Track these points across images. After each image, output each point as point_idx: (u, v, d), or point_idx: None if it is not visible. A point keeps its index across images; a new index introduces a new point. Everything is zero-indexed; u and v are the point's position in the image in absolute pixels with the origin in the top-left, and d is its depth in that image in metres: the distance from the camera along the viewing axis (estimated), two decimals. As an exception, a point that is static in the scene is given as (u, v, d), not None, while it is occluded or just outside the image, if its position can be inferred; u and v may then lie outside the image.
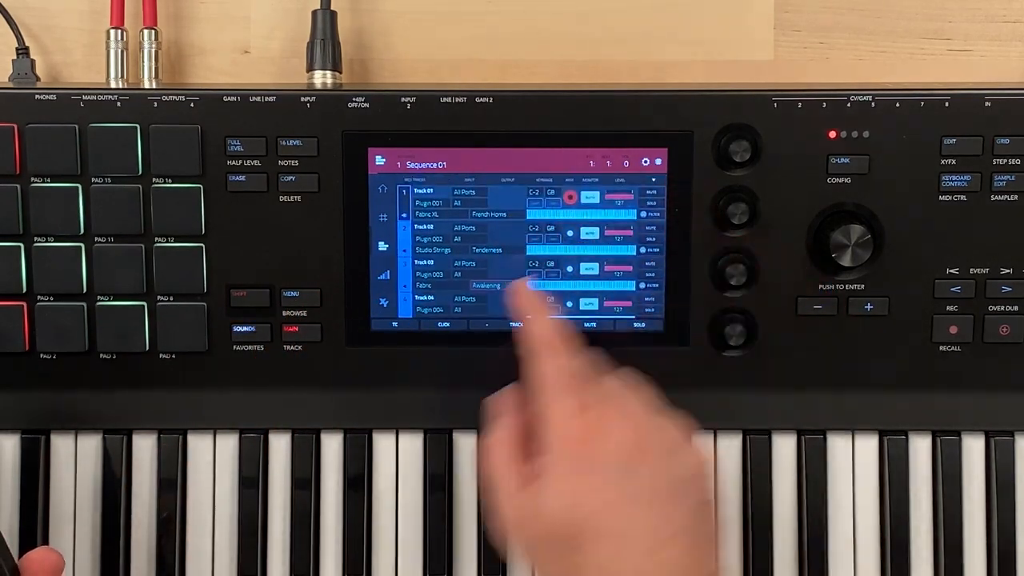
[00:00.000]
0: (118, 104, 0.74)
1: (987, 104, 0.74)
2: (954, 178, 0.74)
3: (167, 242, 0.75)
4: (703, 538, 0.65)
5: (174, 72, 0.83)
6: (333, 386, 0.76)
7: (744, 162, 0.74)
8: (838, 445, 0.78)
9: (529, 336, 0.69)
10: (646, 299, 0.76)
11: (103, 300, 0.75)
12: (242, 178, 0.74)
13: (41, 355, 0.76)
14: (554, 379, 0.67)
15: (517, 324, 0.76)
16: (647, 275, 0.76)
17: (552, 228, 0.75)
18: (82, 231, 0.74)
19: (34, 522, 0.77)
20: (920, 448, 0.78)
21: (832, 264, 0.74)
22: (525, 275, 0.76)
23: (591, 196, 0.75)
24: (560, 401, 0.66)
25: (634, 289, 0.76)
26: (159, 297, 0.75)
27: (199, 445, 0.78)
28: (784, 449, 0.78)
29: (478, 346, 0.76)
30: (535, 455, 0.67)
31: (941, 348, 0.76)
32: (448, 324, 0.76)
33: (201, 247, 0.75)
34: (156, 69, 0.80)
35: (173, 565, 0.77)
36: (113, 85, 0.79)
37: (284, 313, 0.75)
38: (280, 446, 0.78)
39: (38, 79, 0.80)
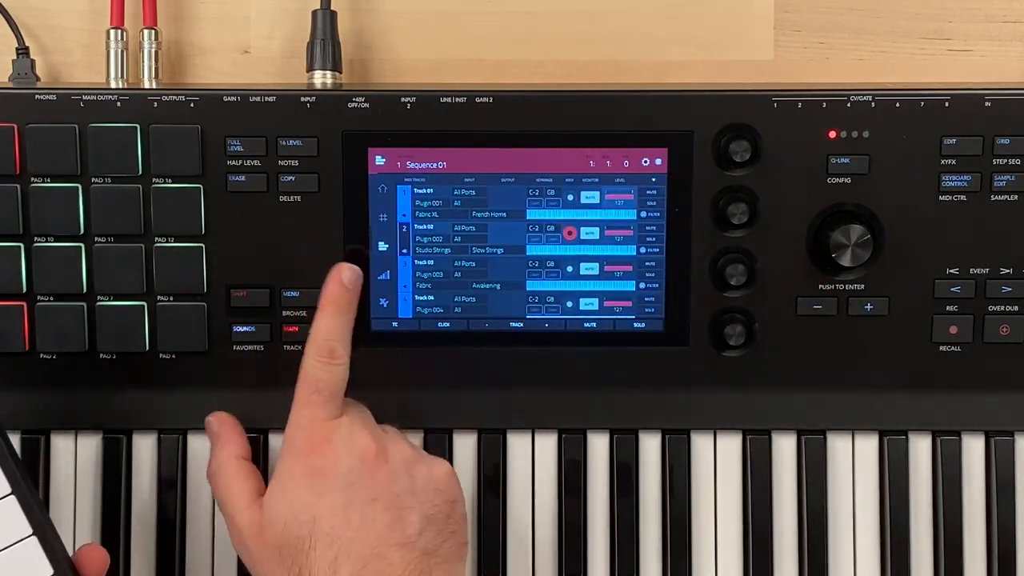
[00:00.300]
0: (118, 104, 0.74)
1: (987, 104, 0.74)
2: (954, 178, 0.74)
3: (167, 242, 0.75)
4: (439, 547, 0.67)
5: (174, 72, 0.83)
6: (333, 386, 0.76)
7: (744, 162, 0.74)
8: (838, 445, 0.78)
9: (311, 332, 0.71)
10: (646, 299, 0.76)
11: (103, 300, 0.75)
12: (242, 178, 0.74)
13: (41, 355, 0.76)
14: (304, 387, 0.69)
15: (518, 324, 0.76)
16: (647, 275, 0.76)
17: (552, 228, 0.75)
18: (82, 231, 0.74)
19: (34, 522, 0.77)
20: (920, 448, 0.78)
21: (832, 264, 0.74)
22: (525, 275, 0.76)
23: (591, 196, 0.75)
24: (300, 410, 0.69)
25: (634, 289, 0.76)
26: (159, 297, 0.75)
27: (199, 445, 0.78)
28: (784, 449, 0.78)
29: (478, 346, 0.76)
30: (255, 473, 0.70)
31: (941, 348, 0.76)
32: (448, 324, 0.76)
33: (201, 247, 0.75)
34: (156, 69, 0.80)
35: (173, 565, 0.77)
36: (113, 85, 0.79)
37: (284, 313, 0.75)
38: (279, 446, 0.78)
39: (38, 79, 0.80)
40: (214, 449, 0.73)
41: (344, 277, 0.71)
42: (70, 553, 0.67)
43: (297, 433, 0.69)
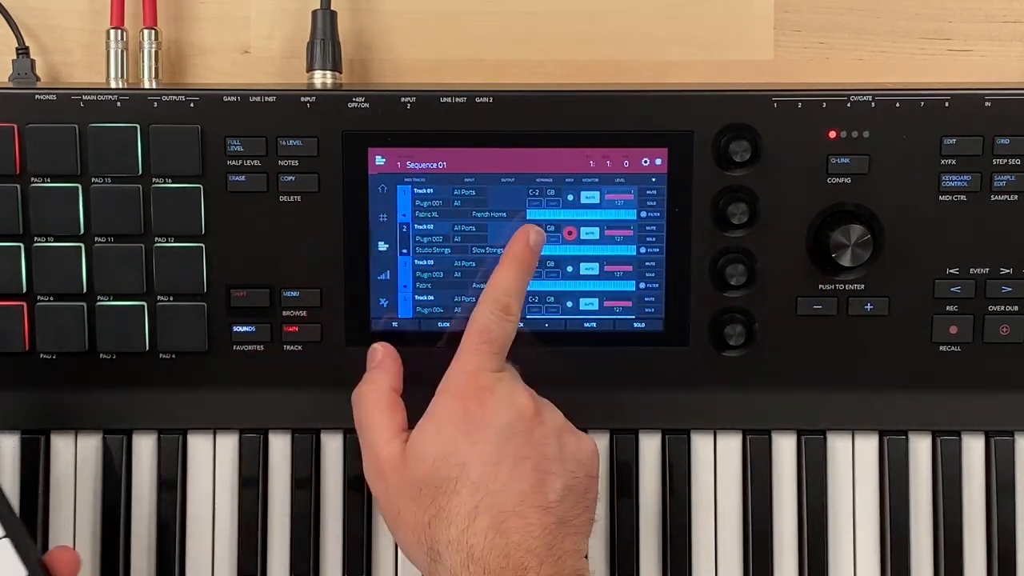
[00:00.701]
0: (118, 104, 0.74)
1: (987, 104, 0.74)
2: (954, 178, 0.74)
3: (167, 242, 0.75)
4: (573, 518, 0.67)
5: (174, 72, 0.83)
6: (333, 386, 0.76)
7: (744, 162, 0.74)
8: (838, 445, 0.78)
9: (488, 285, 0.70)
10: (646, 299, 0.76)
11: (103, 300, 0.75)
12: (242, 178, 0.74)
13: (41, 355, 0.76)
14: (476, 334, 0.69)
15: (519, 324, 0.76)
16: (647, 275, 0.76)
17: (552, 228, 0.75)
18: (82, 231, 0.74)
19: (34, 522, 0.77)
20: (920, 448, 0.78)
21: (832, 264, 0.74)
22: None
23: (591, 196, 0.75)
24: (480, 356, 0.69)
25: (634, 289, 0.76)
26: (159, 297, 0.75)
27: (199, 445, 0.78)
28: (784, 449, 0.78)
29: (478, 346, 0.76)
30: (402, 408, 0.70)
31: (941, 348, 0.76)
32: (448, 324, 0.76)
33: (201, 247, 0.75)
34: (156, 69, 0.80)
35: (173, 565, 0.77)
36: (113, 85, 0.79)
37: (284, 313, 0.75)
38: (280, 446, 0.78)
39: (38, 79, 0.80)
40: (371, 374, 0.72)
41: (531, 238, 0.71)
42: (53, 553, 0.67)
43: (461, 376, 0.68)
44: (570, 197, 0.75)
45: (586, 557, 0.69)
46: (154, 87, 0.78)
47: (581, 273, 0.76)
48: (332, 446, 0.78)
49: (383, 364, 0.72)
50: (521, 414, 0.67)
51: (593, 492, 0.70)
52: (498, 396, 0.68)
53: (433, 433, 0.67)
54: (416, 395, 0.75)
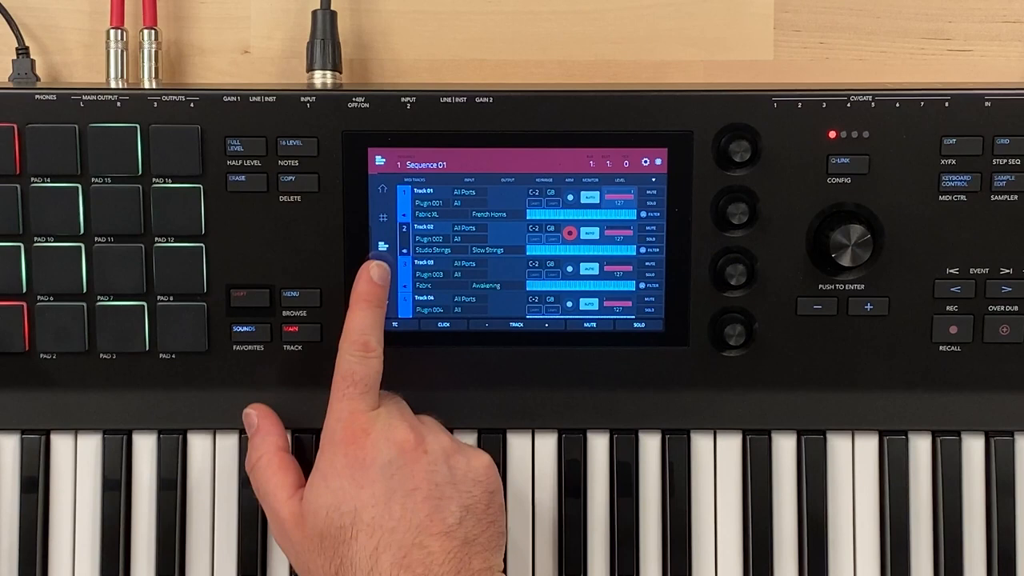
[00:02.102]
0: (118, 104, 0.74)
1: (987, 104, 0.74)
2: (954, 178, 0.74)
3: (167, 242, 0.75)
4: (479, 536, 0.68)
5: (174, 72, 0.83)
6: (333, 386, 0.76)
7: (744, 162, 0.74)
8: (838, 445, 0.78)
9: (344, 329, 0.71)
10: (646, 299, 0.76)
11: (103, 300, 0.75)
12: (242, 178, 0.74)
13: (41, 355, 0.76)
14: (341, 380, 0.70)
15: (518, 324, 0.76)
16: (647, 275, 0.76)
17: (552, 228, 0.75)
18: (82, 231, 0.74)
19: (34, 522, 0.77)
20: (920, 448, 0.78)
21: (832, 264, 0.74)
22: (525, 275, 0.76)
23: (591, 196, 0.75)
24: (350, 401, 0.69)
25: (634, 289, 0.76)
26: (159, 297, 0.75)
27: (199, 445, 0.78)
28: (784, 449, 0.78)
29: (478, 346, 0.76)
30: (295, 465, 0.71)
31: (941, 348, 0.76)
32: (448, 324, 0.76)
33: (201, 247, 0.75)
34: (156, 69, 0.80)
35: (173, 565, 0.77)
36: (113, 85, 0.79)
37: (284, 313, 0.75)
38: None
39: (38, 79, 0.80)
40: (254, 440, 0.73)
41: (373, 273, 0.72)
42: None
43: (337, 425, 0.69)
44: (570, 197, 0.75)
45: (504, 572, 0.70)
46: (154, 87, 0.77)
47: (581, 273, 0.76)
48: (332, 446, 0.78)
49: (262, 427, 0.73)
50: (401, 448, 0.68)
51: (495, 505, 0.70)
52: (375, 436, 0.68)
53: (322, 487, 0.68)
54: (416, 395, 0.75)
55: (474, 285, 0.76)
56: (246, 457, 0.73)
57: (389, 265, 0.74)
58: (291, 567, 0.77)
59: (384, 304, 0.72)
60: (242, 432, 0.77)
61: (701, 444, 0.78)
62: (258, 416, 0.74)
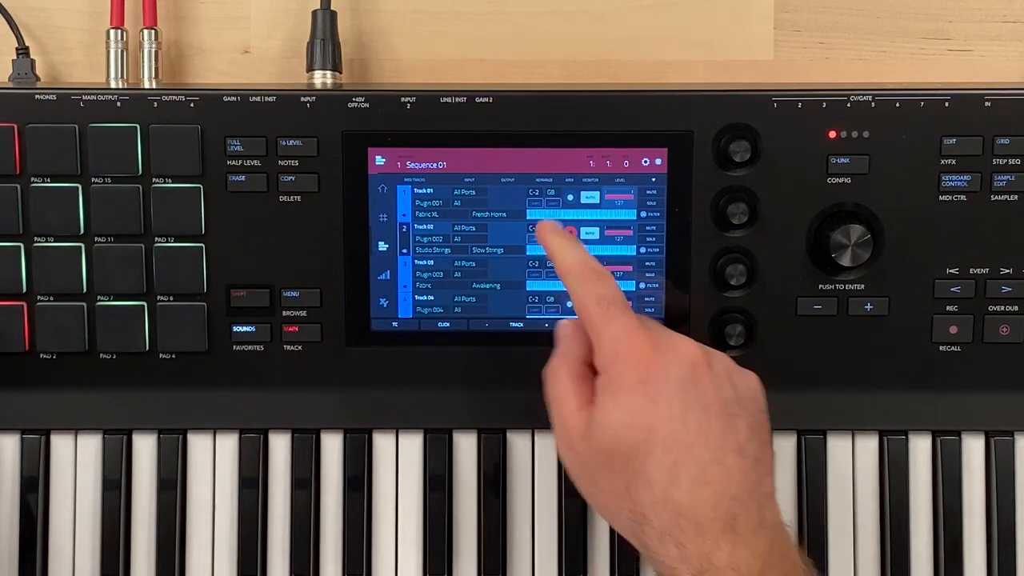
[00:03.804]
0: (118, 104, 0.74)
1: (987, 104, 0.74)
2: (954, 178, 0.74)
3: (167, 242, 0.75)
4: (763, 456, 0.66)
5: (174, 72, 0.83)
6: (333, 386, 0.76)
7: (744, 162, 0.74)
8: (838, 445, 0.78)
9: (562, 270, 0.69)
10: (646, 299, 0.76)
11: (103, 300, 0.75)
12: (242, 178, 0.74)
13: (41, 355, 0.76)
14: (596, 306, 0.67)
15: (518, 324, 0.76)
16: (647, 275, 0.76)
17: (552, 228, 0.75)
18: (82, 231, 0.74)
19: (34, 522, 0.77)
20: (920, 448, 0.78)
21: (832, 264, 0.74)
22: (525, 275, 0.76)
23: (591, 196, 0.75)
24: (618, 319, 0.66)
25: (634, 289, 0.76)
26: (159, 297, 0.75)
27: (199, 445, 0.78)
28: (785, 449, 0.78)
29: (478, 346, 0.76)
30: (592, 380, 0.67)
31: (941, 348, 0.76)
32: (448, 324, 0.76)
33: (201, 247, 0.75)
34: (156, 69, 0.80)
35: (173, 565, 0.77)
36: (113, 85, 0.79)
37: (284, 313, 0.75)
38: (280, 446, 0.78)
39: (38, 79, 0.80)
40: (562, 346, 0.69)
41: (550, 225, 0.70)
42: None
43: (617, 347, 0.66)
44: (570, 197, 0.75)
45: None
46: (154, 87, 0.78)
47: (581, 273, 0.76)
48: (332, 446, 0.78)
49: (574, 336, 0.69)
50: (692, 363, 0.66)
51: (768, 425, 0.68)
52: (662, 351, 0.66)
53: (611, 404, 0.65)
54: (416, 395, 0.75)
55: (474, 285, 0.76)
56: (551, 359, 0.69)
57: (390, 266, 0.74)
58: (292, 565, 0.77)
59: (576, 241, 0.70)
60: (242, 432, 0.77)
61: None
62: (572, 327, 0.69)
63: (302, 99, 0.74)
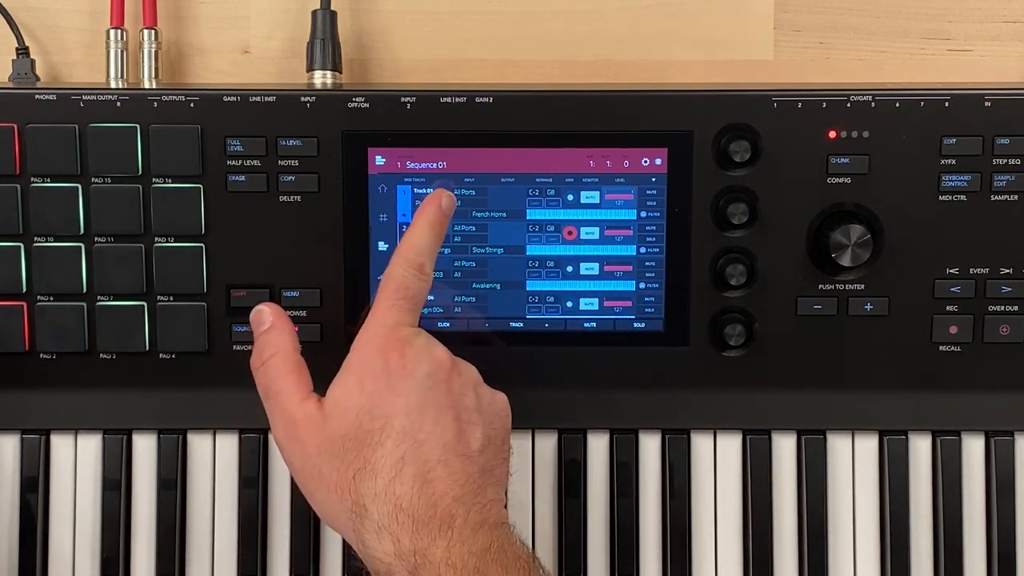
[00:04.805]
0: (118, 104, 0.74)
1: (987, 104, 0.74)
2: (954, 178, 0.74)
3: (167, 242, 0.75)
4: (495, 468, 0.68)
5: (174, 72, 0.83)
6: (333, 386, 0.76)
7: (744, 162, 0.74)
8: (838, 445, 0.78)
9: (400, 243, 0.70)
10: (646, 299, 0.76)
11: (103, 300, 0.75)
12: (242, 178, 0.74)
13: (41, 355, 0.76)
14: (393, 290, 0.69)
15: (518, 324, 0.76)
16: (647, 275, 0.76)
17: (552, 228, 0.75)
18: (82, 231, 0.74)
19: (34, 522, 0.77)
20: (920, 448, 0.78)
21: (832, 264, 0.74)
22: (525, 275, 0.76)
23: (591, 196, 0.75)
24: (399, 311, 0.68)
25: (634, 289, 0.76)
26: (159, 297, 0.75)
27: (199, 445, 0.78)
28: (784, 449, 0.78)
29: (478, 346, 0.76)
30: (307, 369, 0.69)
31: (941, 348, 0.76)
32: (448, 324, 0.76)
33: (201, 247, 0.75)
34: (156, 69, 0.80)
35: (173, 565, 0.77)
36: (113, 85, 0.79)
37: (284, 313, 0.75)
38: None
39: (38, 79, 0.80)
40: (267, 337, 0.70)
41: (443, 202, 0.71)
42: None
43: (380, 331, 0.68)
44: (570, 197, 0.75)
45: (505, 507, 0.69)
46: (154, 87, 0.78)
47: (581, 273, 0.76)
48: (332, 446, 0.78)
49: (277, 325, 0.70)
50: (440, 365, 0.68)
51: (508, 445, 0.70)
52: (417, 348, 0.67)
53: (355, 387, 0.67)
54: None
55: (474, 285, 0.76)
56: (253, 353, 0.70)
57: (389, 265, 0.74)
58: (293, 565, 0.77)
59: (443, 234, 0.71)
60: (242, 432, 0.78)
61: (701, 444, 0.78)
62: (272, 313, 0.70)
63: (302, 99, 0.74)
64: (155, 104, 0.74)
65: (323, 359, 0.75)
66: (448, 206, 0.71)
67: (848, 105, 0.74)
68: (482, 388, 0.70)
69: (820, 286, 0.76)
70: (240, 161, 0.74)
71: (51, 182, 0.74)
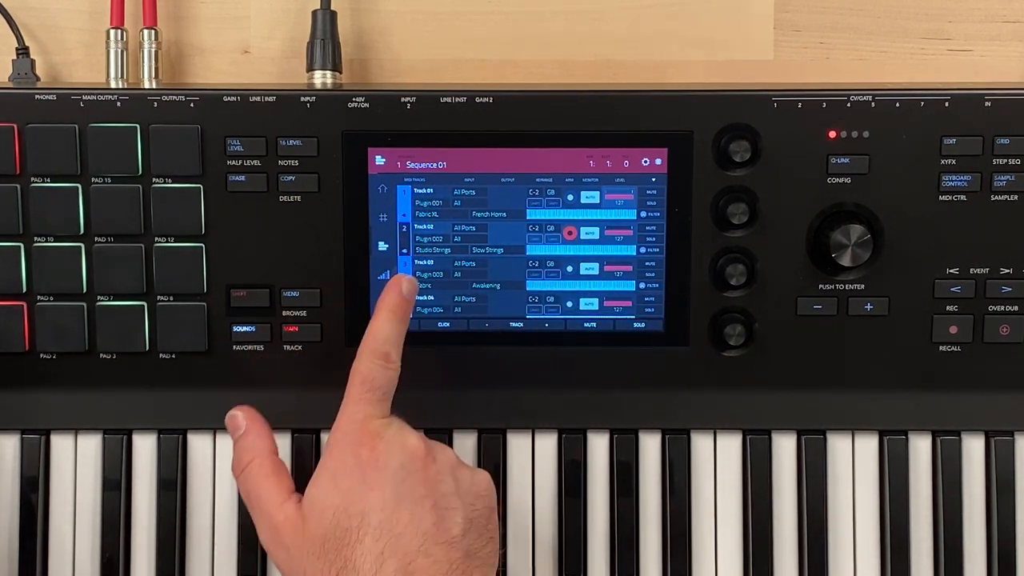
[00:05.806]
0: (118, 104, 0.74)
1: (987, 104, 0.74)
2: (954, 178, 0.74)
3: (167, 242, 0.75)
4: (480, 550, 0.68)
5: (174, 72, 0.83)
6: (333, 386, 0.76)
7: (744, 162, 0.74)
8: (838, 445, 0.78)
9: (366, 336, 0.71)
10: (646, 299, 0.76)
11: (103, 300, 0.75)
12: (242, 178, 0.74)
13: (41, 355, 0.76)
14: (360, 383, 0.70)
15: (518, 324, 0.76)
16: (647, 275, 0.76)
17: (552, 228, 0.75)
18: (82, 231, 0.74)
19: (34, 522, 0.77)
20: (920, 448, 0.78)
21: (832, 264, 0.74)
22: (525, 275, 0.76)
23: (591, 196, 0.75)
24: (367, 405, 0.69)
25: (634, 289, 0.76)
26: (159, 297, 0.75)
27: (199, 445, 0.78)
28: (784, 449, 0.78)
29: (478, 346, 0.76)
30: (286, 470, 0.70)
31: (941, 348, 0.76)
32: (448, 324, 0.76)
33: (201, 247, 0.75)
34: (156, 69, 0.80)
35: (173, 565, 0.77)
36: (113, 85, 0.79)
37: (284, 313, 0.75)
38: (280, 446, 0.77)
39: (38, 79, 0.80)
40: (244, 442, 0.72)
41: (404, 287, 0.72)
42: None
43: (350, 427, 0.69)
44: (570, 197, 0.75)
45: None
46: (154, 87, 0.78)
47: (581, 273, 0.76)
48: (332, 446, 0.78)
49: (252, 429, 0.72)
50: (413, 454, 0.68)
51: (494, 523, 0.70)
52: (388, 440, 0.68)
53: (330, 486, 0.68)
54: (416, 395, 0.75)
55: (474, 285, 0.76)
56: (233, 460, 0.72)
57: (390, 266, 0.74)
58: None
59: (407, 319, 0.72)
60: (242, 432, 0.78)
61: (701, 444, 0.78)
62: (246, 418, 0.72)
63: (302, 99, 0.74)
64: (155, 104, 0.74)
65: (323, 359, 0.76)
66: (409, 291, 0.72)
67: (848, 105, 0.74)
68: (460, 470, 0.70)
69: (820, 286, 0.76)
70: (240, 161, 0.74)
71: (51, 182, 0.74)
